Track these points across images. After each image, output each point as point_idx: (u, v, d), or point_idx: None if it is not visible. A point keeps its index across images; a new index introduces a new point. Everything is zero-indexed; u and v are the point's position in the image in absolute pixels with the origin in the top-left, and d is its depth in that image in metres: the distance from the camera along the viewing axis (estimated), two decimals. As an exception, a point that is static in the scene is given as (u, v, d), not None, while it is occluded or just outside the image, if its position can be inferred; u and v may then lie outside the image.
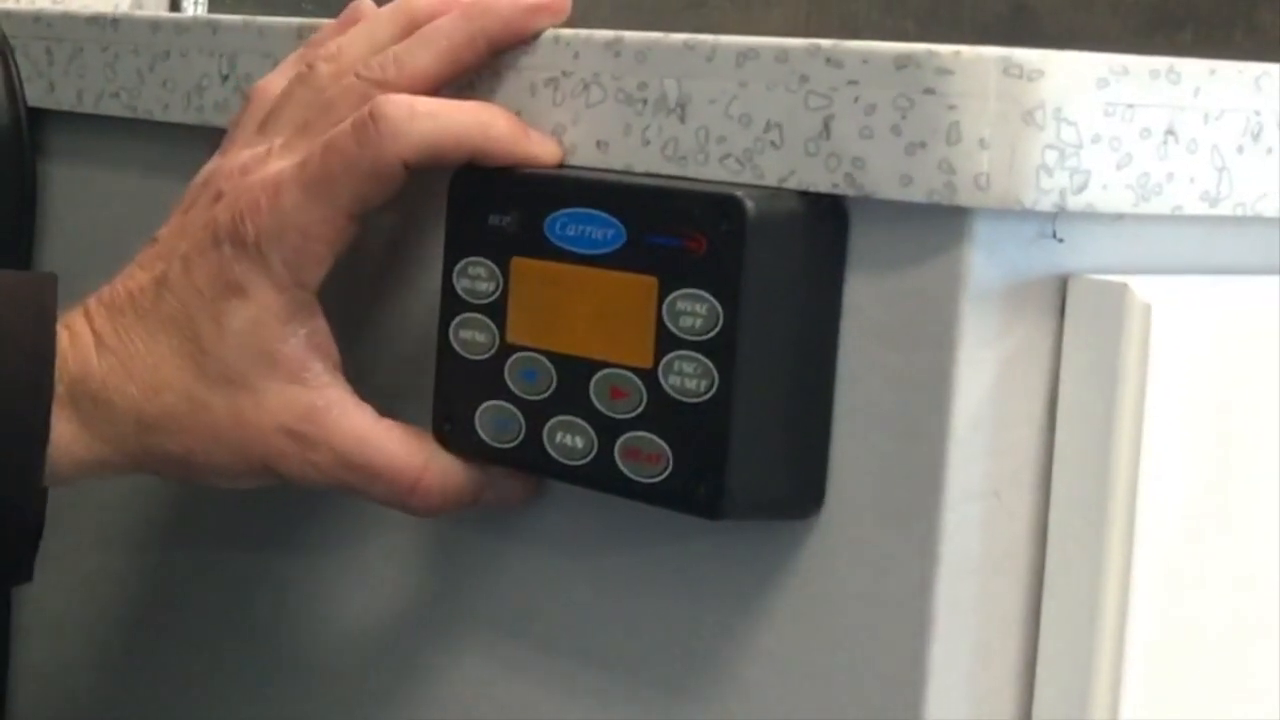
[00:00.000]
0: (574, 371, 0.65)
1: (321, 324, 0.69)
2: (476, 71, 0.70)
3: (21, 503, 0.68)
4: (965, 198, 0.58)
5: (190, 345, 0.68)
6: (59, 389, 0.68)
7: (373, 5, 0.74)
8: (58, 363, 0.68)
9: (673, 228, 0.62)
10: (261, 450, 0.68)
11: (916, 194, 0.58)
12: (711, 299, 0.61)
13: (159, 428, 0.69)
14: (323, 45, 0.72)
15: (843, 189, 0.60)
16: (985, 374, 0.60)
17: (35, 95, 0.90)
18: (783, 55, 0.61)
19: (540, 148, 0.67)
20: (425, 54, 0.69)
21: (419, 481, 0.68)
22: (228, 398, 0.68)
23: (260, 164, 0.70)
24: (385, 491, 0.68)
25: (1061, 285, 0.61)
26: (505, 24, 0.69)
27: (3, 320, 0.68)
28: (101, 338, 0.69)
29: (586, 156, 0.67)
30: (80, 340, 0.69)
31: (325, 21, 0.76)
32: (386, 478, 0.68)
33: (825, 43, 0.61)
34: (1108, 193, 0.59)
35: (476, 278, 0.68)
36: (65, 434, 0.68)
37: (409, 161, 0.67)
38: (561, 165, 0.68)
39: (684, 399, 0.62)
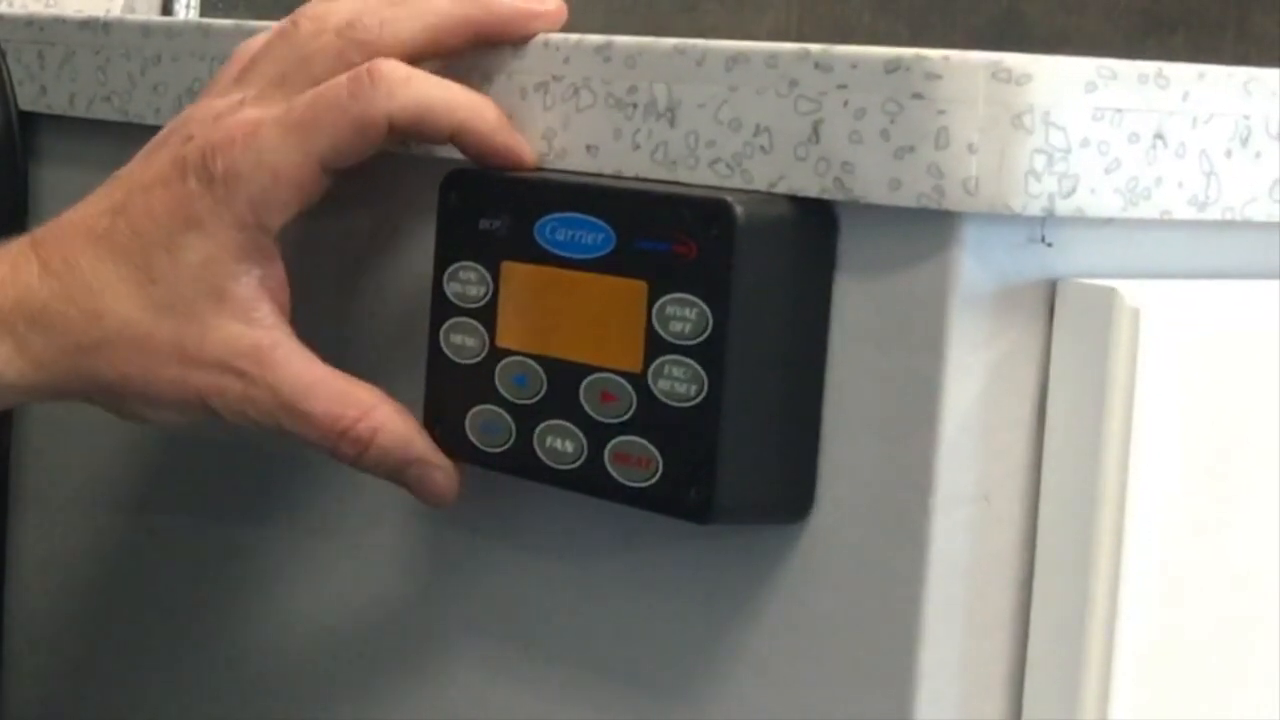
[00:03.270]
0: (564, 376, 0.65)
1: (277, 270, 0.69)
2: (455, 57, 0.69)
3: None
4: (954, 202, 0.58)
5: (139, 274, 0.68)
6: None
7: None
8: None
9: (662, 232, 0.62)
10: (200, 383, 0.68)
11: (905, 198, 0.58)
12: (701, 303, 0.61)
13: (96, 352, 0.69)
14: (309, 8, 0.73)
15: (832, 193, 0.60)
16: (974, 378, 0.60)
17: (27, 99, 0.90)
18: (772, 60, 0.61)
19: (520, 145, 0.68)
20: (411, 24, 0.69)
21: (350, 429, 0.68)
22: (172, 328, 0.68)
23: (233, 111, 0.70)
24: (317, 435, 0.68)
25: (1050, 289, 0.61)
26: (499, 20, 0.69)
27: None
28: (47, 263, 0.69)
29: (576, 161, 0.67)
30: (22, 266, 0.69)
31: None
32: (320, 422, 0.68)
33: (814, 47, 0.61)
34: (1096, 197, 0.59)
35: (467, 282, 0.68)
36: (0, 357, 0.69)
37: (396, 120, 0.67)
38: (551, 169, 0.68)
39: (673, 403, 0.62)
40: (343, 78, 0.68)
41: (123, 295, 0.68)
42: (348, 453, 0.69)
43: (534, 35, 0.69)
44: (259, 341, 0.68)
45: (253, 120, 0.68)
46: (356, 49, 0.69)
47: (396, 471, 0.69)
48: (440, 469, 0.69)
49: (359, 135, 0.67)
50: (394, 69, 0.67)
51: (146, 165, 0.71)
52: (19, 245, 0.71)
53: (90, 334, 0.69)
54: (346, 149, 0.68)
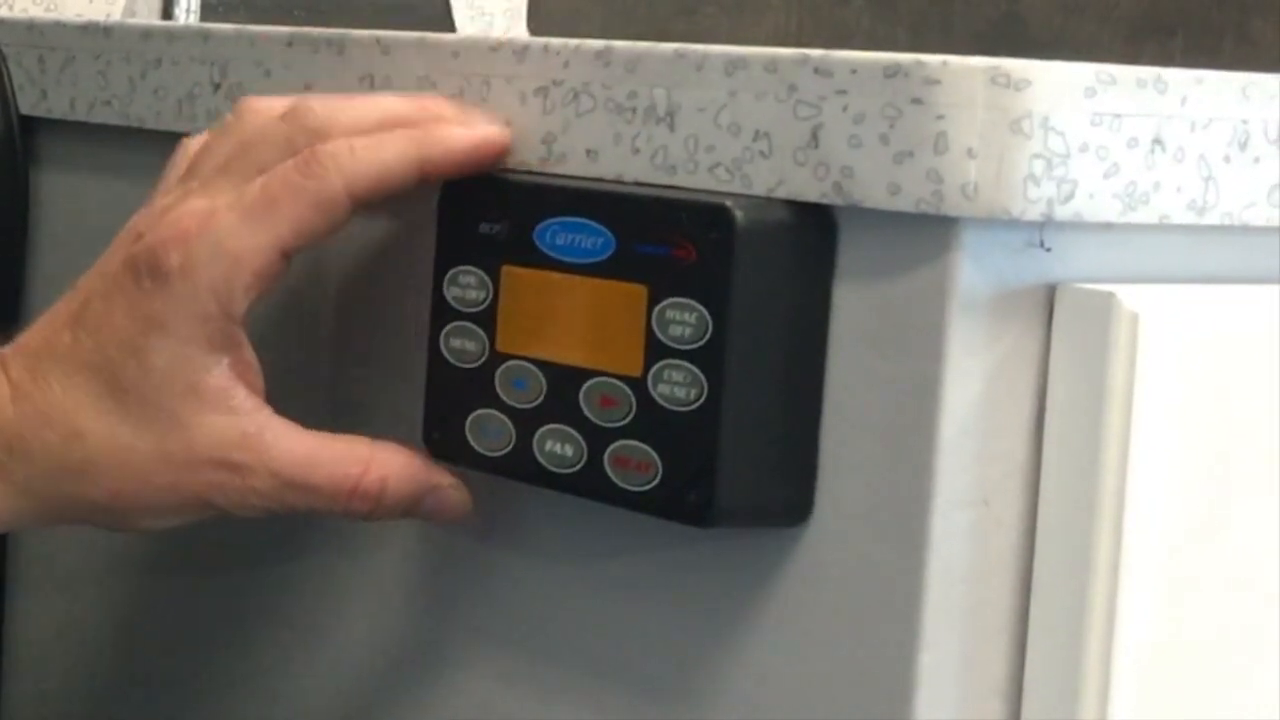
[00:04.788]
0: (564, 380, 0.65)
1: (245, 352, 0.68)
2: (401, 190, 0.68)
3: None
4: (953, 207, 0.58)
5: (109, 386, 0.67)
6: None
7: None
8: None
9: (662, 237, 0.62)
10: (194, 486, 0.67)
11: (904, 203, 0.59)
12: (700, 308, 0.61)
13: (81, 474, 0.67)
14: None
15: (831, 198, 0.60)
16: (973, 383, 0.60)
17: (28, 103, 0.90)
18: (771, 65, 0.62)
19: (485, 132, 0.67)
20: (355, 110, 0.68)
21: (357, 486, 0.67)
22: (154, 437, 0.67)
23: (179, 203, 0.68)
24: (326, 503, 0.68)
25: (1049, 294, 0.61)
26: (446, 154, 0.68)
27: None
28: (18, 386, 0.68)
29: (576, 165, 0.67)
30: None
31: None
32: (326, 490, 0.67)
33: (814, 52, 0.61)
34: (1095, 202, 0.59)
35: (467, 286, 0.68)
36: None
37: (356, 189, 0.66)
38: (551, 174, 0.68)
39: (673, 408, 0.62)
40: (289, 162, 0.67)
41: (98, 412, 0.67)
42: (361, 509, 0.68)
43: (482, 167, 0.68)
44: (244, 429, 0.67)
45: (203, 210, 0.67)
46: (303, 133, 0.68)
47: (413, 507, 0.69)
48: (450, 487, 0.69)
49: (319, 213, 0.66)
50: (336, 145, 0.67)
51: (101, 272, 0.69)
52: None
53: (72, 456, 0.67)
54: (308, 230, 0.66)
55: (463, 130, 0.68)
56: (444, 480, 0.69)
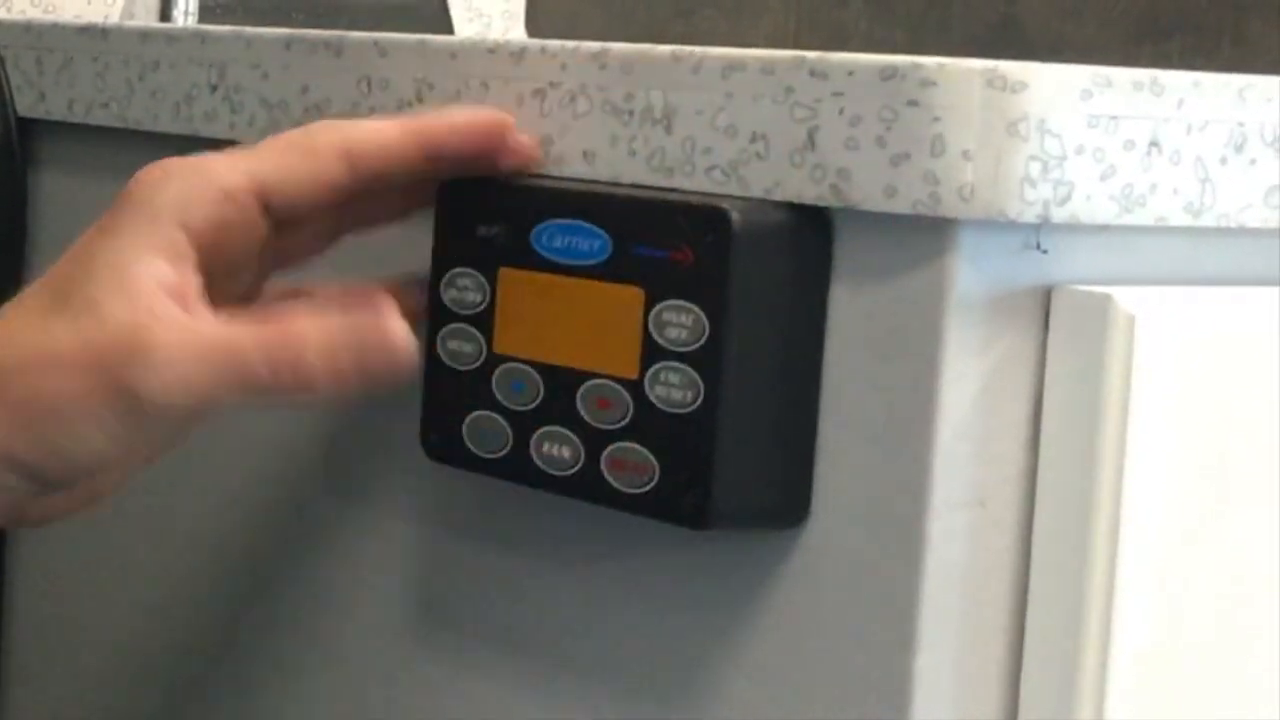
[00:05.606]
0: (561, 382, 0.65)
1: (188, 271, 0.66)
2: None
3: None
4: (949, 209, 0.58)
5: (54, 294, 0.66)
6: None
7: None
8: None
9: (659, 239, 0.62)
10: (109, 364, 0.64)
11: (901, 205, 0.59)
12: (697, 310, 0.61)
13: (8, 375, 0.65)
14: None
15: (828, 200, 0.60)
16: (970, 384, 0.60)
17: (26, 105, 0.90)
18: (768, 67, 0.62)
19: (488, 110, 0.68)
20: (367, 123, 0.69)
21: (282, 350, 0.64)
22: (74, 321, 0.64)
23: None
24: (261, 349, 0.64)
25: (1046, 296, 0.61)
26: (449, 129, 0.69)
27: None
28: None
29: (573, 167, 0.67)
30: None
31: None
32: (252, 342, 0.64)
33: (810, 54, 0.61)
34: (1091, 204, 0.59)
35: (464, 288, 0.68)
36: None
37: (352, 150, 0.67)
38: (548, 176, 0.68)
39: (670, 410, 0.62)
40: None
41: (37, 315, 0.65)
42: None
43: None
44: (158, 303, 0.64)
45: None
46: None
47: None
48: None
49: (308, 161, 0.67)
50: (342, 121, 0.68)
51: None
52: None
53: (3, 359, 0.65)
54: (292, 174, 0.67)
55: (463, 109, 0.68)
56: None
